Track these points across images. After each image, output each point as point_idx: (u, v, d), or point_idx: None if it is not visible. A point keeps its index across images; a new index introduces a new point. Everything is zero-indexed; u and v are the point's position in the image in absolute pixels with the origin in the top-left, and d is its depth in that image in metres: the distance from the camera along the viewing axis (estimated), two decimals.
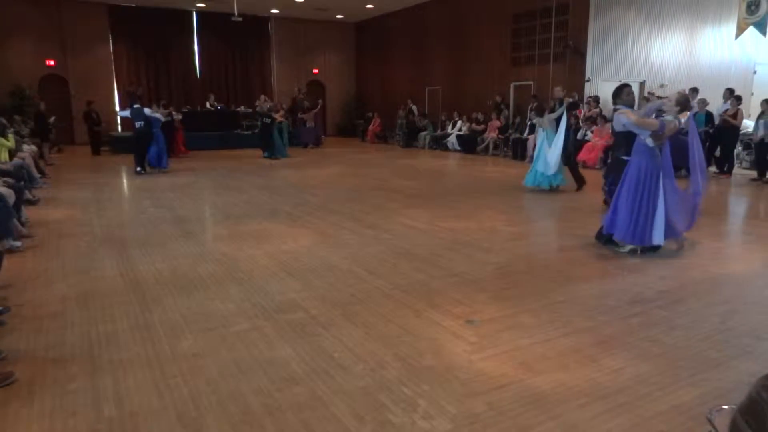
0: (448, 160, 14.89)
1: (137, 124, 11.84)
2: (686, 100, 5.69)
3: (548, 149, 8.88)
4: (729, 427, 0.76)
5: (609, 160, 7.74)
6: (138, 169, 11.74)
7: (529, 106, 11.58)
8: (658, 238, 5.21)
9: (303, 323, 3.70)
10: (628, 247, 5.38)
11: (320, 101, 19.18)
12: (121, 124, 18.51)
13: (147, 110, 12.03)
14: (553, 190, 9.07)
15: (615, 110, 5.69)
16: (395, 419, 2.56)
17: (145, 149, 11.89)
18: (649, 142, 5.15)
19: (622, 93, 5.66)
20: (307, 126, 17.93)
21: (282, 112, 15.80)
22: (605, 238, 5.59)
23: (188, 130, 16.34)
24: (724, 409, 0.87)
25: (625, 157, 5.49)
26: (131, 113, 12.00)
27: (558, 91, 9.54)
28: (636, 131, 5.25)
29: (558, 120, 8.84)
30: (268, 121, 14.78)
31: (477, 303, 4.07)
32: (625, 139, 5.54)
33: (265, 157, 14.78)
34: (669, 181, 5.26)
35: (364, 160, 14.77)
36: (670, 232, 5.30)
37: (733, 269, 4.98)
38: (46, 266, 5.09)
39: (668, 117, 5.26)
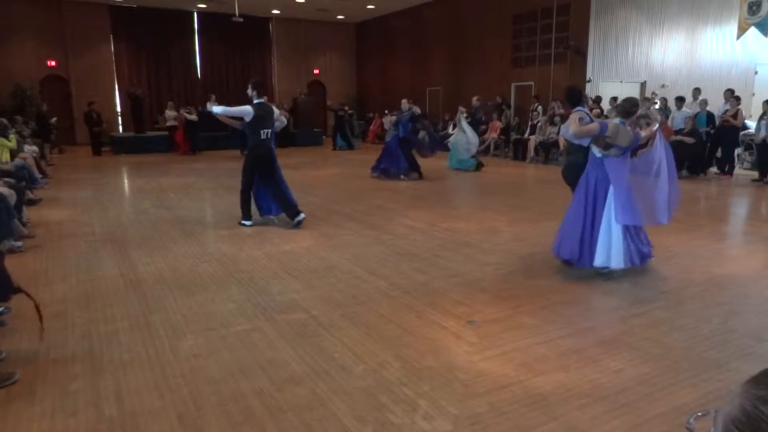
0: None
1: (264, 133, 6.66)
2: (630, 106, 4.64)
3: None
4: None
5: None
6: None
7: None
8: (600, 259, 4.49)
9: (304, 324, 3.70)
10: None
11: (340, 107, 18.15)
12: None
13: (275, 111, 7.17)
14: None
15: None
16: (396, 420, 2.56)
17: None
18: (596, 151, 4.54)
19: (582, 96, 4.95)
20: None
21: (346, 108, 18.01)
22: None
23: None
24: (701, 415, 0.80)
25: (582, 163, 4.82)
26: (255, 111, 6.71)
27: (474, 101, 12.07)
28: (577, 142, 4.64)
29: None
30: (342, 114, 17.11)
31: (478, 303, 4.07)
32: (581, 145, 4.78)
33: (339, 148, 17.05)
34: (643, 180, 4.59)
35: (364, 161, 14.73)
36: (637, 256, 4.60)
37: (734, 270, 4.97)
38: (47, 266, 5.10)
39: (615, 120, 4.56)
